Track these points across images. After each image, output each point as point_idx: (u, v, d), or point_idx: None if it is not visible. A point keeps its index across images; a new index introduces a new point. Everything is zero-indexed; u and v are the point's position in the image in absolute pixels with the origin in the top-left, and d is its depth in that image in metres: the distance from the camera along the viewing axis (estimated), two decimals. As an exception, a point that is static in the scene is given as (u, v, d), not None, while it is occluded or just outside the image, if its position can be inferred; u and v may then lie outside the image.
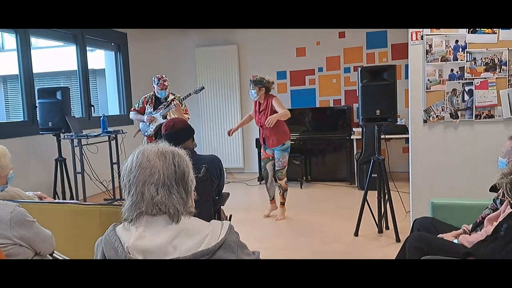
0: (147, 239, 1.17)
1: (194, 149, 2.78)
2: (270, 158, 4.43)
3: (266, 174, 4.50)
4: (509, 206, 2.05)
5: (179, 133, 2.67)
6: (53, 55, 8.52)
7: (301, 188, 5.98)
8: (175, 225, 1.20)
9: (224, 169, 2.85)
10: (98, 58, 7.65)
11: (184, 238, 1.17)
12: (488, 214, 2.36)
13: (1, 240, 1.69)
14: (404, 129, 5.59)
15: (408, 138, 3.80)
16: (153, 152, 1.22)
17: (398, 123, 4.48)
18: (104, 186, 5.30)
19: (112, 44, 6.38)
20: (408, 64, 3.60)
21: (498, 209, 2.32)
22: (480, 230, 2.30)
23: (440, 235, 2.44)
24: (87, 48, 5.81)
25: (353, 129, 6.09)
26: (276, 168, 4.35)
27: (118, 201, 5.28)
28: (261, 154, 4.52)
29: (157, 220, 1.20)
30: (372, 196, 3.82)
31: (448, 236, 2.41)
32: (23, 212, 1.79)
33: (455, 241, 2.32)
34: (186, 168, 1.26)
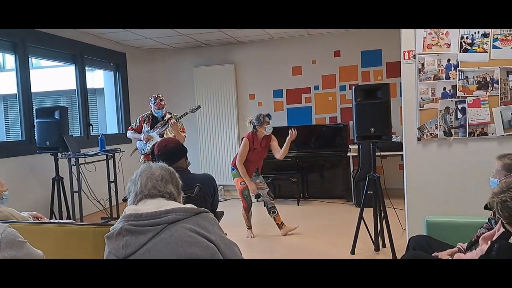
0: (141, 208, 1.52)
1: (188, 168, 2.80)
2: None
3: (251, 202, 4.60)
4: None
5: (172, 152, 2.70)
6: (53, 75, 8.59)
7: (298, 205, 5.97)
8: (165, 201, 1.56)
9: (218, 188, 2.86)
10: (97, 78, 7.72)
11: (169, 206, 1.52)
12: (483, 233, 2.35)
13: (-8, 261, 1.69)
14: (399, 146, 5.58)
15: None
16: (154, 165, 1.68)
17: (393, 140, 4.51)
18: (101, 205, 5.29)
19: (111, 64, 6.44)
20: (402, 82, 3.64)
21: (493, 228, 2.32)
22: (475, 249, 2.29)
23: (435, 253, 2.44)
24: (86, 68, 5.87)
25: (350, 146, 6.10)
26: (267, 189, 4.60)
27: (115, 220, 5.26)
28: (242, 183, 4.49)
29: (152, 200, 1.56)
30: (369, 213, 3.82)
31: (443, 255, 2.40)
32: (14, 233, 1.78)
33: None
34: (178, 180, 1.70)
